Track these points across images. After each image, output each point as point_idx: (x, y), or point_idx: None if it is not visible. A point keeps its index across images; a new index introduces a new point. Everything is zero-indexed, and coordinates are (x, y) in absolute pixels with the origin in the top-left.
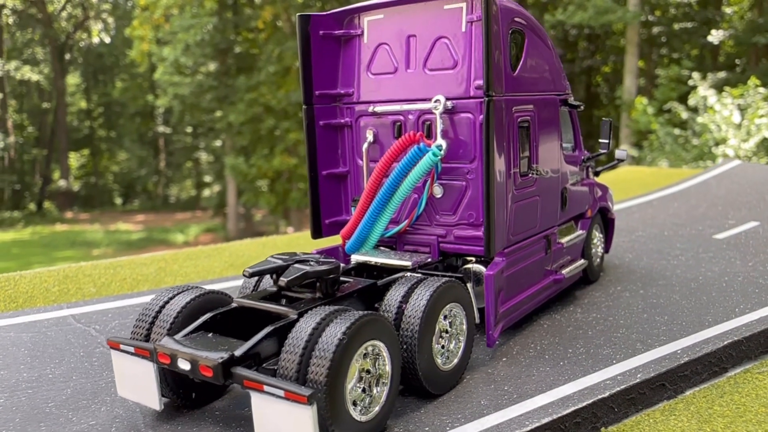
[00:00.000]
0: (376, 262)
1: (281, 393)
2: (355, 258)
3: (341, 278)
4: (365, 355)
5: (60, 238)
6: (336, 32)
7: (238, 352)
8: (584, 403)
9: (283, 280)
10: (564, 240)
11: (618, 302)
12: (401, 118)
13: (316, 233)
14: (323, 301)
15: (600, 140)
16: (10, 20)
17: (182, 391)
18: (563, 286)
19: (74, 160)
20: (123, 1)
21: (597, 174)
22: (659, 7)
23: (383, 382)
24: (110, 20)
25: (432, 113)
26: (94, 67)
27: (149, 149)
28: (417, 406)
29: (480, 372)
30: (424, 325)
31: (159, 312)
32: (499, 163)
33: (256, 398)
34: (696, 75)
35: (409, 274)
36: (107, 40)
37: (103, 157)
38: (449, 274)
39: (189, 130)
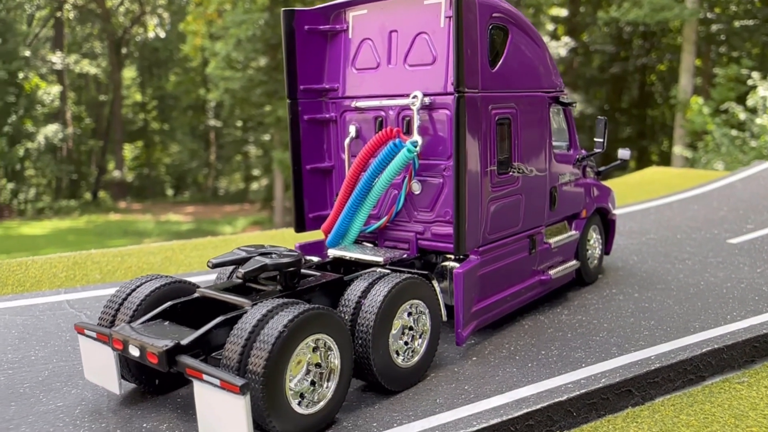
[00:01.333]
0: (350, 257)
1: (217, 382)
2: (332, 252)
3: (311, 272)
4: (315, 349)
5: (113, 227)
6: (322, 27)
7: (184, 341)
8: (538, 406)
9: (240, 272)
10: (553, 240)
11: (608, 305)
12: (383, 113)
13: (300, 227)
14: (282, 294)
15: (595, 139)
16: (71, 15)
17: (144, 377)
18: (552, 287)
19: (128, 151)
20: None
21: (599, 173)
22: (719, 4)
23: (333, 377)
24: (165, 15)
25: (411, 109)
26: (149, 61)
27: (200, 142)
28: (373, 401)
29: (446, 370)
30: (380, 322)
31: (125, 299)
32: (472, 161)
33: (197, 386)
34: (756, 74)
35: (379, 270)
36: (162, 34)
37: (156, 149)
38: (415, 271)
39: (239, 124)
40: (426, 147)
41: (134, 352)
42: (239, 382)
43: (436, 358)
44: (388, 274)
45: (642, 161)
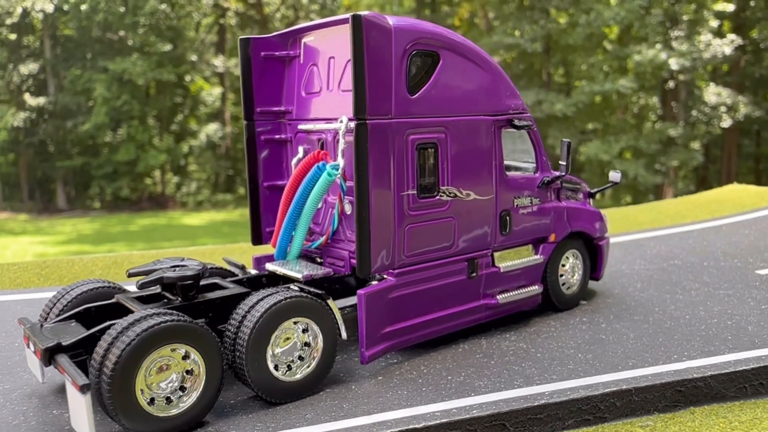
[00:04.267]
0: (281, 272)
1: (70, 380)
2: (268, 266)
3: (230, 284)
4: (185, 357)
5: None
6: (278, 53)
7: (65, 342)
8: (390, 431)
9: (138, 283)
10: (504, 264)
11: (561, 334)
12: (324, 136)
13: (256, 240)
14: (180, 305)
15: (560, 162)
16: (233, 21)
17: None
18: (508, 311)
19: None
20: (330, 2)
21: (592, 196)
22: None
23: (199, 384)
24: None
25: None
26: None
27: None
28: (253, 410)
29: (343, 386)
30: (256, 336)
31: (59, 300)
32: (379, 185)
33: (66, 383)
34: None
35: (293, 285)
36: None
37: None
38: (312, 290)
39: None
40: (352, 170)
41: (32, 347)
42: (81, 381)
43: (345, 374)
44: (278, 290)
45: None
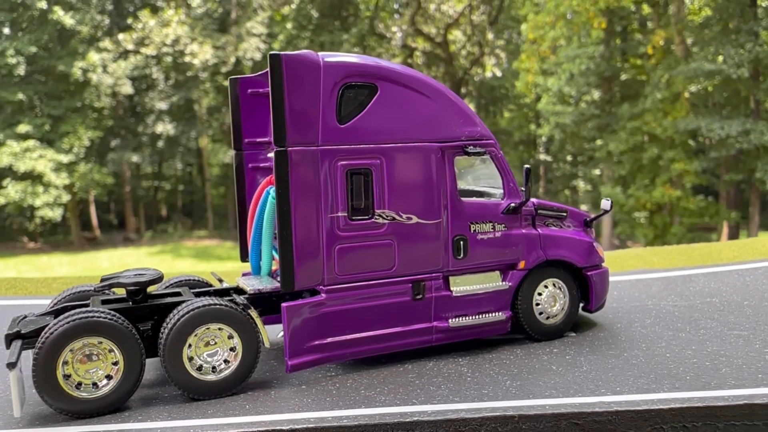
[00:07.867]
0: (241, 286)
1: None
2: (237, 281)
3: (188, 293)
4: (111, 350)
5: None
6: (262, 90)
7: (24, 330)
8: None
9: (94, 287)
10: (458, 288)
11: (516, 362)
12: None
13: (244, 257)
14: (129, 308)
15: (521, 188)
16: (420, 60)
17: None
18: (468, 336)
19: None
20: (516, 36)
21: (588, 224)
22: None
23: (119, 373)
24: (502, 55)
25: None
26: (486, 98)
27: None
28: (173, 402)
29: (264, 390)
30: (173, 336)
31: (56, 299)
32: (302, 206)
33: None
34: None
35: (237, 296)
36: (499, 73)
37: None
38: (239, 300)
39: (569, 158)
40: None
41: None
42: (9, 360)
43: (276, 380)
44: (201, 300)
45: None
